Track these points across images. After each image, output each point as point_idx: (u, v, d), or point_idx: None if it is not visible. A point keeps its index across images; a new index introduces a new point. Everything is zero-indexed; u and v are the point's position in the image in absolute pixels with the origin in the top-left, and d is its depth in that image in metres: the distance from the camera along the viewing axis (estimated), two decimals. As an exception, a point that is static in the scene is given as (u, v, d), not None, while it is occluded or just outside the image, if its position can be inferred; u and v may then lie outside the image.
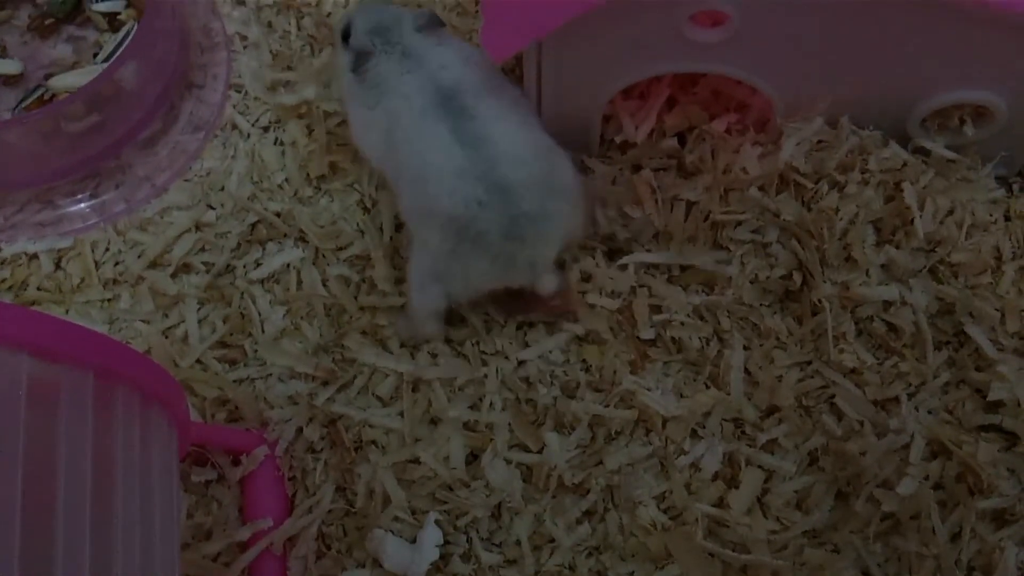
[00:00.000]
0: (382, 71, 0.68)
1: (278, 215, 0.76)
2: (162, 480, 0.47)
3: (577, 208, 0.69)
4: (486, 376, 0.69)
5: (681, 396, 0.68)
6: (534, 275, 0.67)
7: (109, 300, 0.74)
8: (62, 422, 0.41)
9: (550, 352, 0.70)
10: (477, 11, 0.84)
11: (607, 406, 0.67)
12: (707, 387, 0.69)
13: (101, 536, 0.42)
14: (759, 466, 0.66)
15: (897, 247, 0.70)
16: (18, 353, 0.40)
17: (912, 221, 0.70)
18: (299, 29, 0.84)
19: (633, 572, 0.64)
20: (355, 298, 0.73)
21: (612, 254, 0.73)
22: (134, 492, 0.44)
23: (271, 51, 0.84)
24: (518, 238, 0.64)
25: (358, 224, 0.76)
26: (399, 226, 0.75)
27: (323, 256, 0.75)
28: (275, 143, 0.80)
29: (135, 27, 0.79)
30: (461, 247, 0.64)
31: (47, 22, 0.83)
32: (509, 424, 0.67)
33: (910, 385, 0.67)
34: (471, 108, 0.65)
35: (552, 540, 0.64)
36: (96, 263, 0.75)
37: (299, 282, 0.74)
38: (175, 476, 0.51)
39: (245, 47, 0.84)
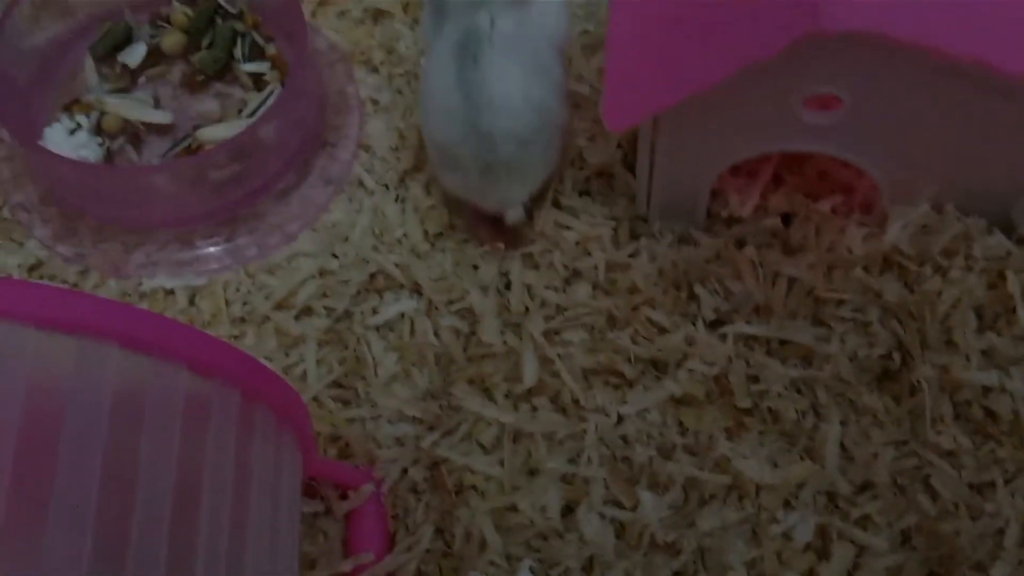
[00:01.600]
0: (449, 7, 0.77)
1: (396, 267, 0.80)
2: (289, 504, 0.51)
3: (554, 153, 0.79)
4: (585, 431, 0.71)
5: (776, 465, 0.70)
6: (503, 207, 0.78)
7: (236, 336, 0.79)
8: (211, 437, 0.45)
9: (647, 412, 0.72)
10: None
11: (702, 469, 0.69)
12: (802, 459, 0.70)
13: (235, 552, 0.46)
14: (851, 540, 0.67)
15: (999, 334, 0.71)
16: (178, 366, 0.44)
17: (1014, 309, 0.70)
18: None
19: (720, 634, 0.65)
20: (464, 349, 0.76)
21: (713, 324, 0.75)
22: (266, 513, 0.48)
23: (399, 115, 0.89)
24: (492, 179, 0.75)
25: (468, 280, 0.79)
26: (507, 284, 0.78)
27: (435, 308, 0.78)
28: (396, 200, 0.85)
29: (278, 87, 0.86)
30: (444, 166, 0.78)
31: (198, 79, 0.90)
32: (605, 479, 0.70)
33: (1007, 471, 0.67)
34: (481, 57, 0.73)
35: (642, 595, 0.66)
36: (227, 302, 0.80)
37: (412, 331, 0.78)
38: (299, 501, 0.55)
39: (376, 110, 0.90)
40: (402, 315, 0.78)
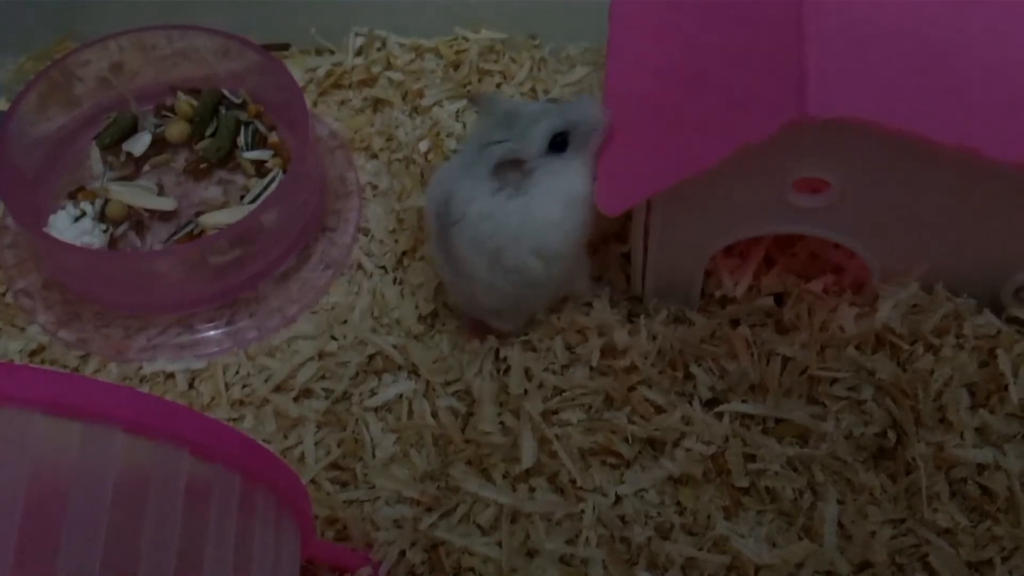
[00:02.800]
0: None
1: (395, 348, 0.81)
2: (287, 583, 0.51)
3: (543, 301, 0.79)
4: (583, 512, 0.71)
5: (774, 545, 0.70)
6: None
7: (235, 419, 0.79)
8: (212, 518, 0.45)
9: (645, 491, 0.72)
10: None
11: (701, 549, 0.69)
12: (800, 538, 0.70)
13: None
14: (851, 621, 0.67)
15: (991, 412, 0.71)
16: (181, 450, 0.45)
17: (1006, 387, 0.71)
18: (422, 179, 0.92)
19: None
20: (462, 430, 0.77)
21: (709, 403, 0.76)
22: (265, 589, 0.48)
23: (397, 199, 0.91)
24: (481, 316, 0.80)
25: (465, 362, 0.80)
26: (506, 370, 0.79)
27: (433, 389, 0.79)
28: (395, 282, 0.86)
29: (280, 174, 0.88)
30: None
31: (201, 166, 0.92)
32: (603, 560, 0.69)
33: (1004, 548, 0.67)
34: (453, 237, 0.74)
35: None
36: (226, 384, 0.81)
37: (410, 412, 0.78)
38: (295, 581, 0.55)
39: (375, 195, 0.92)
40: (400, 396, 0.79)
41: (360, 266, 0.88)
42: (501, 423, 0.75)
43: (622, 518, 0.71)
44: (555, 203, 0.73)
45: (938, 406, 0.71)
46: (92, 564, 0.40)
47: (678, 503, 0.72)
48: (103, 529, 0.41)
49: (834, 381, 0.74)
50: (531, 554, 0.71)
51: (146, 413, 0.44)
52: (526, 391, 0.76)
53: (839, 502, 0.71)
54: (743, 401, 0.75)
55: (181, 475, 0.44)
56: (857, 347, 0.75)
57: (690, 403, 0.75)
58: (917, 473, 0.69)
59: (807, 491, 0.72)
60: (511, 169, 0.72)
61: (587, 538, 0.70)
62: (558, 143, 0.72)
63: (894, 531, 0.69)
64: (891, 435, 0.72)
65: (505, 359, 0.78)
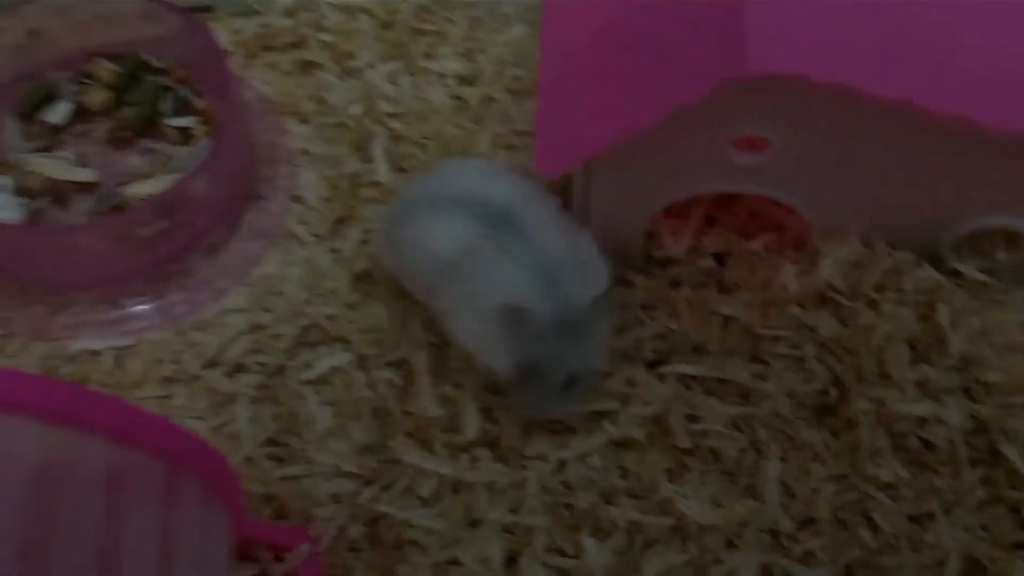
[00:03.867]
0: None
1: (329, 319, 0.79)
2: (218, 566, 0.49)
3: None
4: (526, 480, 0.70)
5: (718, 505, 0.69)
6: None
7: (165, 397, 0.77)
8: (133, 507, 0.43)
9: (588, 457, 0.71)
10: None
11: (645, 513, 0.69)
12: (744, 497, 0.70)
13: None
14: (795, 578, 0.67)
15: (931, 365, 0.71)
16: (97, 437, 0.43)
17: (946, 340, 0.71)
18: (355, 144, 0.89)
19: None
20: (401, 402, 0.75)
21: (652, 364, 0.75)
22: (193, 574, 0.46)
23: (330, 165, 0.88)
24: None
25: (403, 332, 0.78)
26: (445, 341, 0.77)
27: (370, 360, 0.77)
28: (329, 251, 0.84)
29: (206, 141, 0.85)
30: None
31: (124, 135, 0.88)
32: (548, 528, 0.69)
33: (945, 501, 0.67)
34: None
35: (588, 646, 0.65)
36: (155, 361, 0.78)
37: (347, 385, 0.76)
38: (228, 566, 0.53)
39: (307, 161, 0.89)
40: (337, 369, 0.77)
41: (293, 235, 0.85)
42: (441, 394, 0.74)
43: (566, 484, 0.70)
44: None
45: (879, 361, 0.71)
46: (5, 554, 0.38)
47: (621, 467, 0.71)
48: (16, 518, 0.39)
49: (776, 340, 0.74)
50: (474, 524, 0.70)
51: (59, 400, 0.42)
52: (465, 361, 0.75)
53: (782, 460, 0.70)
54: (686, 362, 0.75)
55: (99, 463, 0.42)
56: (799, 305, 0.75)
57: (633, 365, 0.74)
58: (859, 429, 0.69)
59: (750, 450, 0.71)
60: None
61: (531, 506, 0.69)
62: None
63: (837, 487, 0.69)
64: (833, 392, 0.72)
65: (442, 332, 0.77)
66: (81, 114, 0.90)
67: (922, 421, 0.70)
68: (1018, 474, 0.67)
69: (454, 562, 0.68)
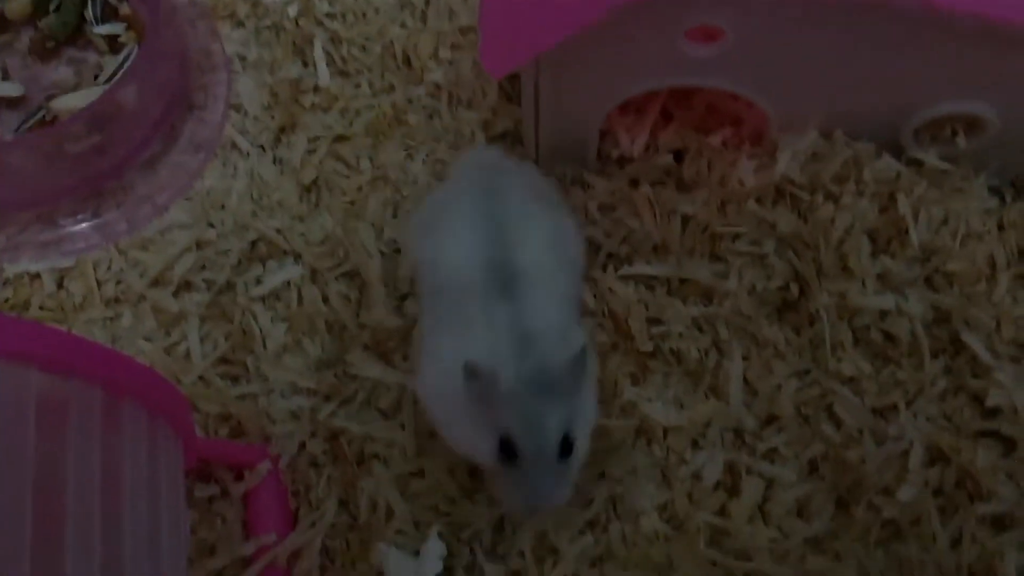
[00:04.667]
0: None
1: (278, 232, 0.76)
2: (169, 493, 0.48)
3: None
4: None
5: (681, 407, 0.69)
6: None
7: (111, 319, 0.74)
8: (71, 436, 0.41)
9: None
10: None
11: (609, 417, 0.68)
12: (707, 397, 0.69)
13: (111, 549, 0.42)
14: (759, 475, 0.66)
15: (892, 257, 0.71)
16: (27, 368, 0.40)
17: (907, 231, 0.70)
18: (294, 48, 0.85)
19: (636, 582, 0.64)
20: (356, 315, 0.73)
21: (612, 266, 0.74)
22: (142, 505, 0.45)
23: (269, 71, 0.84)
24: None
25: (352, 242, 0.76)
26: (396, 249, 0.75)
27: (321, 274, 0.75)
28: (273, 162, 0.81)
29: (135, 49, 0.80)
30: None
31: (48, 45, 0.83)
32: (511, 436, 0.68)
33: (908, 393, 0.67)
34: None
35: (555, 551, 0.64)
36: (98, 282, 0.75)
37: (300, 299, 0.74)
38: (181, 489, 0.52)
39: (244, 68, 0.85)
40: (288, 283, 0.75)
41: (234, 145, 0.82)
42: (396, 305, 0.72)
43: (528, 392, 0.69)
44: None
45: (839, 255, 0.70)
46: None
47: (584, 372, 0.70)
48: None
49: (736, 237, 0.73)
50: (436, 434, 0.68)
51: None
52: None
53: (744, 359, 0.70)
54: (647, 262, 0.73)
55: (29, 393, 0.40)
56: (758, 201, 0.73)
57: (591, 268, 0.73)
58: (820, 324, 0.69)
59: (712, 350, 0.71)
60: None
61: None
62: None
63: (799, 383, 0.69)
64: (794, 288, 0.71)
65: (394, 240, 0.74)
66: (1, 24, 0.84)
67: (884, 314, 0.69)
68: (980, 362, 0.67)
69: (417, 474, 0.67)
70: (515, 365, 0.56)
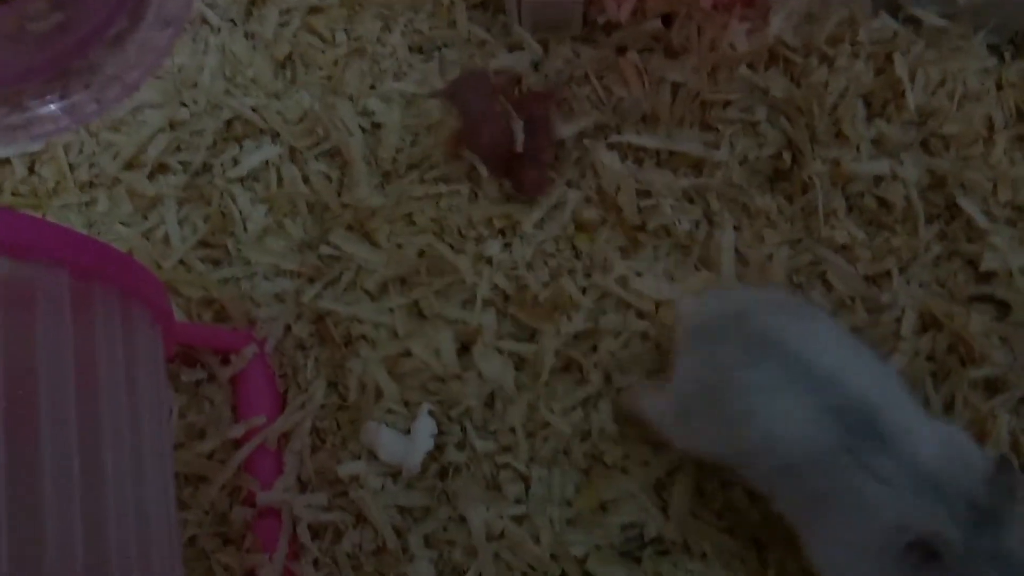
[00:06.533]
0: None
1: (254, 111, 0.73)
2: (148, 376, 0.47)
3: None
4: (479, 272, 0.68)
5: (672, 279, 0.68)
6: None
7: (87, 204, 0.72)
8: (40, 321, 0.40)
9: (543, 243, 0.68)
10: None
11: (600, 291, 0.67)
12: (698, 269, 0.68)
13: (88, 434, 0.41)
14: (751, 345, 0.66)
15: (888, 121, 0.69)
16: (-10, 252, 0.39)
17: (903, 93, 0.68)
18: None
19: (628, 455, 0.64)
20: (338, 194, 0.71)
21: (600, 135, 0.71)
22: (119, 389, 0.44)
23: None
24: None
25: (331, 119, 0.73)
26: (376, 125, 0.72)
27: (300, 152, 0.73)
28: (246, 36, 0.78)
29: (94, -82, 0.76)
30: None
31: (2, -84, 0.79)
32: (503, 313, 0.67)
33: (901, 259, 0.66)
34: None
35: (546, 425, 0.64)
36: (71, 166, 0.73)
37: (279, 179, 0.72)
38: (162, 372, 0.51)
39: (211, -63, 0.81)
40: (266, 163, 0.73)
41: (204, 20, 0.78)
42: (379, 183, 0.70)
43: (519, 268, 0.68)
44: None
45: (833, 120, 0.68)
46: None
47: (574, 247, 0.69)
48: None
49: (727, 104, 0.70)
50: (424, 315, 0.67)
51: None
52: (400, 149, 0.70)
53: (736, 229, 0.68)
54: (636, 132, 0.71)
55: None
56: (749, 66, 0.70)
57: (581, 140, 0.71)
58: (813, 191, 0.67)
59: (703, 221, 0.69)
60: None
61: (480, 302, 0.67)
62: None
63: (791, 251, 0.68)
64: (786, 156, 0.69)
65: (374, 113, 0.72)
66: None
67: (878, 179, 0.67)
68: (975, 226, 0.65)
69: (406, 354, 0.66)
70: (945, 521, 0.47)
